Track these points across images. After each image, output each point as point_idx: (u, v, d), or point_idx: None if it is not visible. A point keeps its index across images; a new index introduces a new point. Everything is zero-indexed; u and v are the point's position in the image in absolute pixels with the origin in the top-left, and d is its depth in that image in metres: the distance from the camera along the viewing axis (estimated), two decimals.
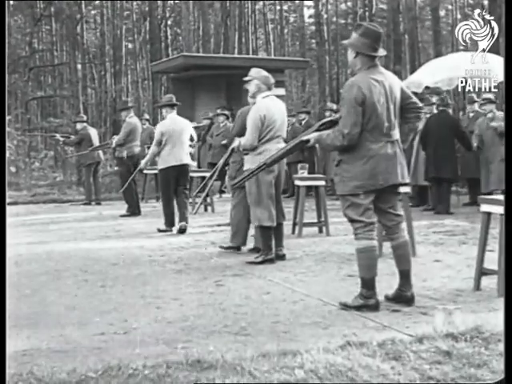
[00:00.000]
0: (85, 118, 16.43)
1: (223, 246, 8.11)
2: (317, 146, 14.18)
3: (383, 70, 5.16)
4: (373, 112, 4.96)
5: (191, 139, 10.44)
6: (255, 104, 7.33)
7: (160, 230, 9.99)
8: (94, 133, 15.66)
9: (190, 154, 10.67)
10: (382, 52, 5.13)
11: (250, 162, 7.17)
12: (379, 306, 5.06)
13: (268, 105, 7.21)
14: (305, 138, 5.31)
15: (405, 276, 5.22)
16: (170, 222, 10.02)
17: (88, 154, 14.76)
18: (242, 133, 7.57)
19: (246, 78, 7.35)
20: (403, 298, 5.20)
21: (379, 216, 5.26)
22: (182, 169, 9.94)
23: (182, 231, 9.82)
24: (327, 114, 15.21)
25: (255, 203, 7.24)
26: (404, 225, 5.38)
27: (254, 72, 7.36)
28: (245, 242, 8.06)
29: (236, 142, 7.58)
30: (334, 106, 15.11)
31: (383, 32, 5.29)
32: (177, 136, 9.90)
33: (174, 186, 9.93)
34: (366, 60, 5.05)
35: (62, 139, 16.01)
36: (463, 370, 3.59)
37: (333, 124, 5.18)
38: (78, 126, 15.59)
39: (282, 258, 7.41)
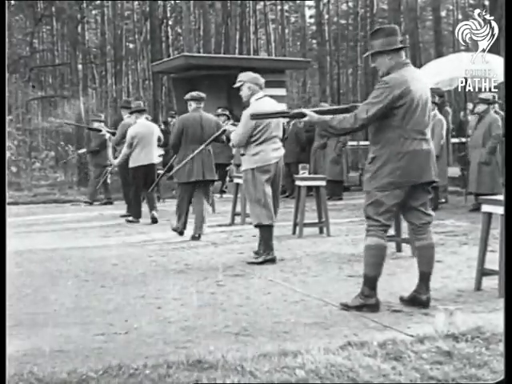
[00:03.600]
0: (102, 116, 15.91)
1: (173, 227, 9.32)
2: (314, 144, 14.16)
3: (415, 69, 5.21)
4: (409, 109, 4.97)
5: (159, 140, 11.54)
6: (248, 108, 7.35)
7: (128, 221, 11.22)
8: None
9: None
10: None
11: (247, 163, 7.26)
12: (379, 306, 5.06)
13: (261, 107, 7.18)
14: (306, 111, 5.30)
15: (423, 278, 5.19)
16: (137, 214, 11.21)
17: (105, 155, 14.63)
18: (177, 142, 9.06)
19: (237, 85, 7.45)
20: (417, 301, 5.16)
21: (408, 214, 5.24)
22: (151, 167, 11.13)
23: (154, 220, 11.03)
24: None
25: (254, 202, 7.24)
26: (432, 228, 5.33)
27: (243, 76, 7.46)
28: (183, 229, 9.24)
29: (228, 130, 8.01)
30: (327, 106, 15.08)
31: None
32: (146, 138, 11.09)
33: (143, 182, 11.03)
34: (397, 56, 5.09)
35: (83, 152, 15.54)
36: (464, 371, 3.59)
37: (346, 111, 5.25)
38: (95, 124, 15.30)
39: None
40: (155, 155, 11.25)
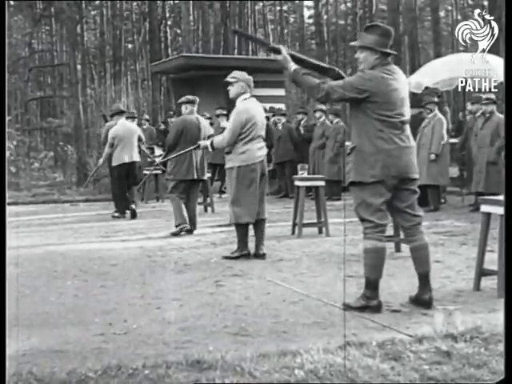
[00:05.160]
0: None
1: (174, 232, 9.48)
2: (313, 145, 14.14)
3: (395, 67, 5.22)
4: (387, 105, 4.99)
5: (139, 139, 12.26)
6: (237, 106, 7.56)
7: (114, 217, 11.92)
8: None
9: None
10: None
11: (233, 161, 7.45)
12: (381, 308, 5.06)
13: (249, 107, 7.49)
14: (283, 51, 5.30)
15: (422, 279, 5.18)
16: (122, 210, 11.95)
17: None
18: (176, 142, 9.40)
19: (231, 80, 7.61)
20: (420, 300, 5.17)
21: (396, 216, 5.26)
22: (132, 165, 11.97)
23: (134, 214, 11.81)
24: (317, 114, 15.21)
25: (235, 201, 7.44)
26: (423, 228, 5.30)
27: (239, 74, 7.65)
28: (185, 221, 9.49)
29: (203, 143, 8.14)
30: (324, 107, 15.11)
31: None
32: (127, 138, 11.88)
33: (126, 179, 11.90)
34: (383, 58, 5.12)
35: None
36: (463, 371, 3.59)
37: (324, 71, 5.35)
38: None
39: (261, 257, 7.52)
40: (136, 153, 12.08)
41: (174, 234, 9.44)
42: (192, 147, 8.66)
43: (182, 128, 9.45)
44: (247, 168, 7.37)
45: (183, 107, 9.70)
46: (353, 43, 5.45)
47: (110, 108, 15.39)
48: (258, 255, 7.51)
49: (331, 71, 5.35)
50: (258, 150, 7.47)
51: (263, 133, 7.64)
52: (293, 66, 5.27)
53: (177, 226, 9.48)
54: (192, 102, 9.66)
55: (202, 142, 8.13)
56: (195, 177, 9.55)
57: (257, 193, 7.43)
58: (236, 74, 7.63)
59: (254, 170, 7.40)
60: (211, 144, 7.71)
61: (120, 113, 12.31)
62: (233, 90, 7.58)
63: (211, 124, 15.95)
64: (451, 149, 13.31)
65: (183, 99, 9.77)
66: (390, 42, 5.15)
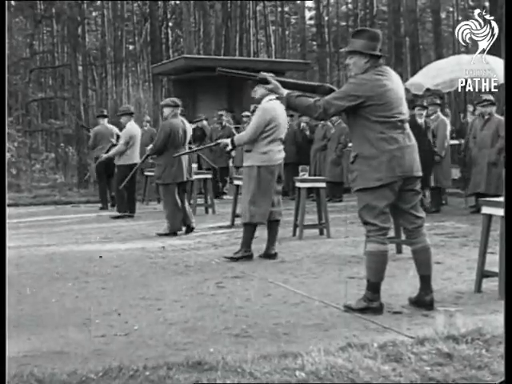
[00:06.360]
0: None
1: (160, 233, 9.67)
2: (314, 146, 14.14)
3: (387, 68, 5.22)
4: (384, 107, 4.98)
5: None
6: (262, 105, 7.49)
7: (114, 217, 11.96)
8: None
9: None
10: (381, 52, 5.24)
11: (253, 160, 7.41)
12: (383, 309, 5.06)
13: (275, 108, 7.43)
14: (271, 79, 5.39)
15: (423, 281, 5.19)
16: (125, 208, 12.09)
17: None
18: (164, 146, 9.48)
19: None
20: (421, 302, 5.17)
21: (399, 218, 5.25)
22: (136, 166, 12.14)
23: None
24: None
25: (251, 200, 7.40)
26: (425, 230, 5.30)
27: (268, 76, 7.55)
28: (181, 226, 9.71)
29: (223, 141, 7.92)
30: None
31: (382, 34, 5.36)
32: (137, 139, 12.21)
33: (134, 178, 11.91)
34: (374, 61, 5.12)
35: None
36: (464, 372, 3.59)
37: (314, 89, 5.32)
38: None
39: (273, 256, 7.54)
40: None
41: (160, 235, 9.62)
42: (212, 144, 8.73)
43: (170, 132, 9.52)
44: (267, 169, 7.37)
45: (168, 110, 9.70)
46: (342, 50, 5.46)
47: (99, 109, 15.53)
48: (270, 255, 7.56)
49: (321, 88, 5.35)
50: (278, 153, 7.49)
51: (283, 136, 7.63)
52: (285, 91, 5.30)
53: (168, 233, 9.66)
54: (177, 106, 9.74)
55: (223, 141, 7.94)
56: (184, 179, 9.72)
57: (272, 195, 7.44)
58: (265, 75, 7.59)
59: (273, 171, 7.40)
60: (232, 141, 7.61)
61: (131, 114, 12.38)
62: (259, 91, 7.48)
63: (210, 125, 16.05)
64: (452, 150, 13.32)
65: (168, 102, 9.85)
66: (378, 44, 5.14)
